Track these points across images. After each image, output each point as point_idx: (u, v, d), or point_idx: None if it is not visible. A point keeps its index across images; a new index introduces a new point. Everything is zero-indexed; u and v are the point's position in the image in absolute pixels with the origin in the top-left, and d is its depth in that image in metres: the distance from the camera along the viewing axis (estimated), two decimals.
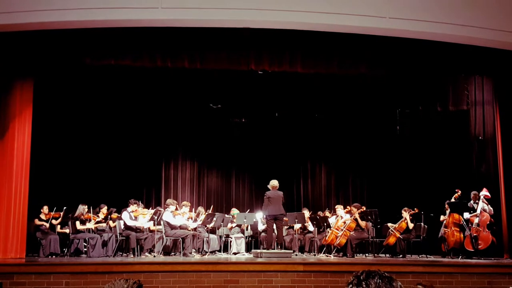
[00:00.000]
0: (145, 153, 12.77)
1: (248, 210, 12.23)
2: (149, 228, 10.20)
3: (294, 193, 13.58)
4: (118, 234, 9.89)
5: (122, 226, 9.95)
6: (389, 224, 10.62)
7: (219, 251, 10.70)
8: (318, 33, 8.24)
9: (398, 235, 10.23)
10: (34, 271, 7.20)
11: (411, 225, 10.23)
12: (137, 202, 10.37)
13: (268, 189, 9.89)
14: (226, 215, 10.88)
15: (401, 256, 10.09)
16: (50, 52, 8.87)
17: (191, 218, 10.64)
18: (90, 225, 9.82)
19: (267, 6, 7.68)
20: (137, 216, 10.16)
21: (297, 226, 11.12)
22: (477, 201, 9.74)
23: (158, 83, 11.28)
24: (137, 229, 9.97)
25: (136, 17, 7.60)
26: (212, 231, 10.76)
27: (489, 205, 9.68)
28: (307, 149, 13.61)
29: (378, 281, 1.68)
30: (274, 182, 9.92)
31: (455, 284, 7.50)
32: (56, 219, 9.99)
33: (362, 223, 10.03)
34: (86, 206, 9.90)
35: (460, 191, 10.10)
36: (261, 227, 11.14)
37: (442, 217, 10.35)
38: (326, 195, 13.71)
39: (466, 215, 9.86)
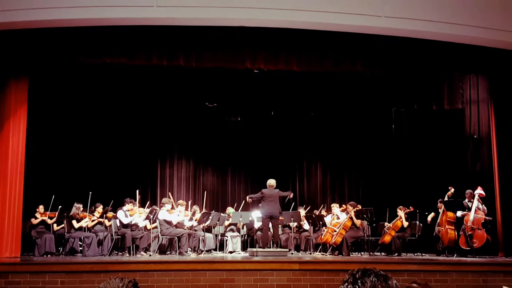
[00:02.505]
0: (141, 151, 12.74)
1: (241, 204, 12.14)
2: (145, 226, 10.19)
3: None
4: (113, 233, 9.88)
5: (118, 225, 9.93)
6: (385, 223, 10.65)
7: (215, 249, 10.69)
8: (314, 31, 8.25)
9: (393, 233, 10.25)
10: (29, 270, 7.18)
11: (405, 224, 10.26)
12: (133, 201, 10.35)
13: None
14: (221, 214, 10.88)
15: (396, 254, 10.11)
16: (45, 51, 8.83)
17: (187, 217, 10.63)
18: (84, 222, 9.78)
19: (262, 4, 7.68)
20: (133, 215, 10.14)
21: (293, 224, 11.13)
22: (471, 200, 9.76)
23: (154, 81, 11.27)
24: (132, 227, 9.96)
25: (132, 15, 7.60)
26: (208, 229, 10.76)
27: (483, 205, 9.70)
28: (302, 147, 13.61)
29: (373, 279, 1.68)
30: (271, 181, 9.94)
31: (450, 282, 7.52)
32: (52, 218, 9.96)
33: (357, 222, 10.05)
34: (81, 205, 9.88)
35: (453, 189, 10.11)
36: (257, 225, 11.14)
37: (429, 218, 10.39)
38: (322, 193, 13.73)
39: (459, 213, 9.90)
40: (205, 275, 7.35)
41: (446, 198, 10.10)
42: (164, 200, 10.27)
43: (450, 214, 9.91)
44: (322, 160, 13.84)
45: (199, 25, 8.18)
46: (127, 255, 9.56)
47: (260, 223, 10.66)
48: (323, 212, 11.76)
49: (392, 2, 7.90)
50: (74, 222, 9.68)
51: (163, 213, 9.86)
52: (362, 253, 10.67)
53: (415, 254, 10.31)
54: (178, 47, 9.13)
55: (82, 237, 9.66)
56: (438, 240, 10.12)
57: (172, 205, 10.29)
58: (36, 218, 9.84)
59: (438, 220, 10.15)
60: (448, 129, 11.77)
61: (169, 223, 9.83)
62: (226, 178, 13.77)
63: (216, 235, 10.81)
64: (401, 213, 10.35)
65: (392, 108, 12.40)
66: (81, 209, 9.85)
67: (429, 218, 10.45)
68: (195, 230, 10.47)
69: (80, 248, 9.84)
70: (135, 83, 11.30)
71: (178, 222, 10.08)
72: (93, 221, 10.02)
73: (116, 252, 10.02)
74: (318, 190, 13.75)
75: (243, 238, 11.31)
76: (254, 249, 9.55)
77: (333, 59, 9.44)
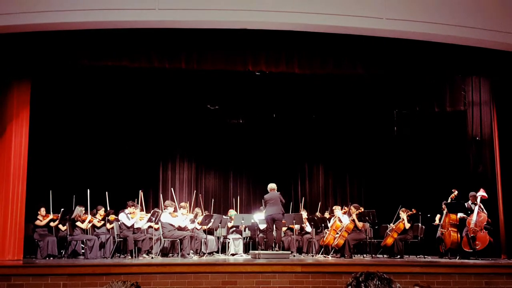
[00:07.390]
0: (143, 154, 12.75)
1: (243, 206, 12.16)
2: (147, 229, 10.19)
3: (292, 194, 13.57)
4: (115, 236, 9.88)
5: (120, 228, 9.93)
6: (387, 225, 10.63)
7: (217, 252, 10.68)
8: (315, 33, 8.26)
9: (395, 236, 10.23)
10: (32, 272, 7.18)
11: (408, 226, 10.24)
12: (135, 204, 10.35)
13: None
14: (223, 216, 10.87)
15: (398, 256, 10.10)
16: (47, 53, 8.84)
17: (187, 216, 10.62)
18: (85, 224, 9.76)
19: (263, 7, 7.68)
20: (134, 218, 10.14)
21: (296, 227, 11.11)
22: (475, 202, 9.74)
23: (156, 84, 11.28)
24: (135, 230, 9.96)
25: (133, 18, 7.60)
26: (210, 232, 10.75)
27: (484, 209, 9.67)
28: (304, 150, 13.61)
29: (377, 283, 1.68)
30: (272, 185, 9.96)
31: (453, 285, 7.50)
32: (54, 221, 9.96)
33: (359, 224, 10.04)
34: (84, 208, 9.88)
35: (456, 191, 10.11)
36: (262, 226, 11.12)
37: (436, 220, 10.37)
38: (324, 196, 13.71)
39: (459, 215, 9.87)
40: (207, 277, 7.34)
41: (449, 200, 10.09)
42: (167, 202, 10.27)
43: (452, 216, 9.90)
44: (324, 162, 13.84)
45: (200, 28, 8.19)
46: (129, 257, 9.56)
47: (263, 225, 10.66)
48: (326, 215, 11.74)
49: (394, 4, 7.90)
50: (79, 223, 9.69)
51: (166, 216, 9.86)
52: (365, 255, 10.65)
53: (418, 256, 10.29)
54: (180, 50, 9.13)
55: (84, 240, 9.66)
56: (441, 242, 10.10)
57: (175, 208, 10.28)
58: (39, 220, 9.82)
59: (441, 222, 10.14)
60: (450, 131, 11.76)
61: (171, 225, 9.83)
62: (228, 181, 13.78)
63: (218, 238, 10.80)
64: (403, 215, 10.33)
65: (394, 110, 12.38)
66: (83, 211, 9.85)
67: (437, 219, 10.42)
68: (197, 233, 10.48)
69: (82, 251, 9.84)
70: (136, 86, 11.32)
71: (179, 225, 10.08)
72: (99, 221, 10.01)
73: (118, 254, 10.02)
74: (320, 193, 13.74)
75: (245, 240, 11.30)
76: (256, 252, 9.54)
77: (335, 61, 9.43)
